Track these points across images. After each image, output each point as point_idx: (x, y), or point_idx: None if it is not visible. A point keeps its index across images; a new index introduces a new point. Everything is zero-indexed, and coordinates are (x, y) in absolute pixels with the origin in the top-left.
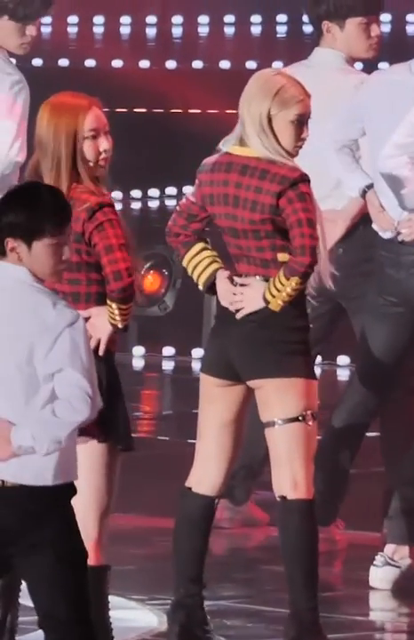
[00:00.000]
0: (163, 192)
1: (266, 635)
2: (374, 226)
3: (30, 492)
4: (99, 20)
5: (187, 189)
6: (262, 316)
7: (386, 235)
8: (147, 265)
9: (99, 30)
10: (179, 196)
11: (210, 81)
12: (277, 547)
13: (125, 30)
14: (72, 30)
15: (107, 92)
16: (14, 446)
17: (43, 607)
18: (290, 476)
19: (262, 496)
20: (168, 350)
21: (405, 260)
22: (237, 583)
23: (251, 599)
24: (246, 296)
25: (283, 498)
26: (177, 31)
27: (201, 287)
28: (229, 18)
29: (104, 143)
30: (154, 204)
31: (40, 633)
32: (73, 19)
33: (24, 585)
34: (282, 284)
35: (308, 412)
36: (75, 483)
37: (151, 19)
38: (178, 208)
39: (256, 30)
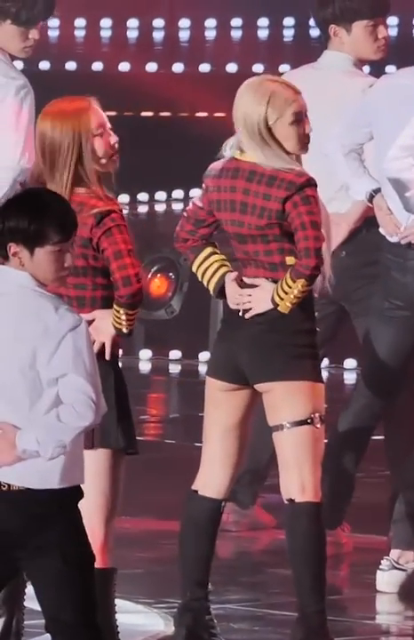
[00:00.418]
0: (169, 195)
1: (274, 638)
2: (381, 230)
3: (36, 495)
4: (106, 23)
5: (194, 193)
6: (270, 318)
7: (393, 238)
8: (154, 268)
9: (106, 34)
10: (186, 199)
11: (217, 84)
12: (284, 550)
13: (132, 34)
14: (79, 33)
15: (115, 95)
16: (19, 450)
17: (49, 610)
18: (298, 479)
19: (268, 499)
20: (175, 353)
21: (411, 264)
22: (244, 586)
23: (258, 602)
24: (255, 297)
25: (291, 501)
26: (184, 34)
27: (211, 292)
28: (236, 21)
29: (113, 137)
30: (160, 208)
31: (47, 636)
32: (80, 22)
33: (30, 588)
34: (288, 286)
35: (316, 415)
36: (81, 486)
37: (158, 22)
38: (185, 214)
39: (263, 34)
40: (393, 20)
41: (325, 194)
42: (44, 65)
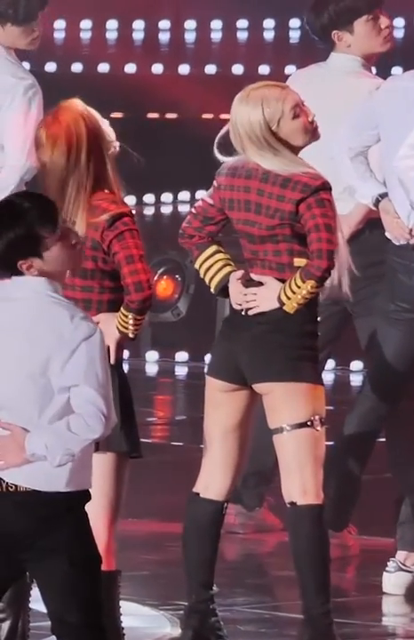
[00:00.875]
0: (176, 197)
1: None
2: (387, 234)
3: (43, 496)
4: (112, 24)
5: (201, 194)
6: (274, 318)
7: (400, 242)
8: (161, 270)
9: (112, 35)
10: (193, 201)
11: (223, 86)
12: (290, 552)
13: (138, 35)
14: (85, 35)
15: (121, 96)
16: (28, 453)
17: (55, 612)
18: (299, 481)
19: (275, 501)
20: (181, 356)
21: None
22: (250, 589)
23: (265, 604)
24: (260, 295)
25: (293, 504)
26: (190, 36)
27: (212, 290)
28: (242, 23)
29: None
30: (167, 210)
31: (52, 638)
32: (86, 23)
33: (36, 590)
34: (297, 286)
35: (316, 418)
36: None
37: (164, 23)
38: (193, 210)
39: (269, 35)
40: (399, 22)
41: None
42: (50, 66)
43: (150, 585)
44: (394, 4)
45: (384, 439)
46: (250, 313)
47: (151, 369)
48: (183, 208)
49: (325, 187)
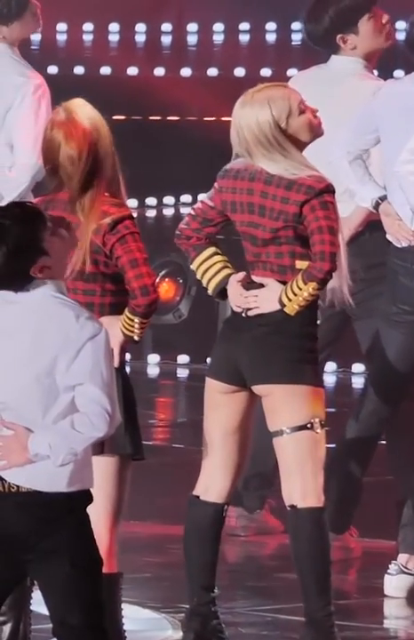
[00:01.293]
0: (177, 200)
1: None
2: (388, 236)
3: (44, 497)
4: (114, 27)
5: (202, 197)
6: (274, 320)
7: (402, 244)
8: (162, 273)
9: (114, 38)
10: (194, 203)
11: (225, 88)
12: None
13: (140, 38)
14: (87, 38)
15: (123, 99)
16: (31, 453)
17: (57, 614)
18: (299, 484)
19: (276, 504)
20: (183, 358)
21: None
22: (252, 591)
23: (266, 607)
24: (261, 297)
25: (293, 507)
26: (192, 39)
27: (210, 291)
28: (244, 25)
29: None
30: (169, 212)
31: None
32: (88, 26)
33: (37, 593)
34: (299, 287)
35: (316, 420)
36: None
37: (166, 26)
38: (192, 212)
39: (271, 38)
40: (400, 25)
41: None
42: (52, 69)
43: (151, 587)
44: (396, 6)
45: (385, 442)
46: (250, 314)
47: (152, 371)
48: (185, 210)
49: (329, 189)
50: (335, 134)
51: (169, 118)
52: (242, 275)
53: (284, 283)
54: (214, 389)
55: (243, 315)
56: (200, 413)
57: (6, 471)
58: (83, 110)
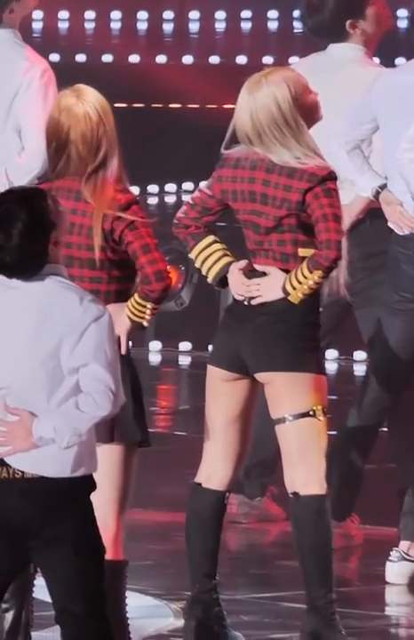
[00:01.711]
0: (179, 187)
1: (283, 630)
2: (390, 224)
3: (49, 483)
4: (116, 15)
5: (201, 186)
6: (277, 309)
7: (403, 231)
8: None
9: (116, 26)
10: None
11: (226, 76)
12: (293, 542)
13: (142, 26)
14: (89, 26)
15: (124, 87)
16: (35, 437)
17: (59, 601)
18: (302, 472)
19: (278, 491)
20: (184, 345)
21: None
22: (254, 578)
23: (268, 594)
24: (264, 285)
25: (296, 494)
26: (194, 26)
27: (210, 279)
28: (246, 13)
29: None
30: (170, 200)
31: (56, 627)
32: (90, 14)
33: (40, 580)
34: (304, 276)
35: (319, 408)
36: (95, 479)
37: (168, 14)
38: (191, 201)
39: (273, 25)
40: (402, 13)
41: None
42: (54, 57)
43: (153, 575)
44: None
45: (386, 429)
46: (253, 303)
47: (154, 358)
48: (187, 198)
49: (331, 176)
50: (334, 122)
51: (171, 106)
52: (243, 263)
53: (286, 271)
54: (216, 377)
55: (246, 303)
56: (202, 401)
57: (11, 457)
58: (92, 92)
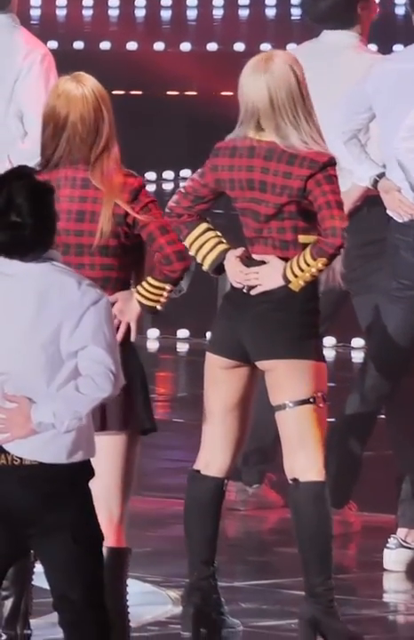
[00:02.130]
0: (177, 174)
1: (282, 617)
2: (390, 212)
3: (48, 470)
4: (113, 2)
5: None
6: (277, 297)
7: (402, 218)
8: None
9: (113, 13)
10: None
11: (224, 63)
12: (291, 529)
13: (140, 13)
14: (87, 13)
15: (122, 74)
16: (34, 423)
17: (58, 589)
18: (301, 458)
19: (276, 478)
20: (183, 332)
21: None
22: (252, 565)
23: (266, 581)
24: (263, 274)
25: (295, 480)
26: (191, 13)
27: (206, 267)
28: (243, 0)
29: None
30: (168, 187)
31: (55, 615)
32: (88, 1)
33: (39, 567)
34: (307, 264)
35: (319, 395)
36: (99, 466)
37: (166, 1)
38: (183, 190)
39: (270, 12)
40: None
41: None
42: (52, 44)
43: (151, 562)
44: None
45: (385, 416)
46: (252, 292)
47: (152, 345)
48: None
49: (332, 162)
50: (331, 110)
51: (168, 93)
52: (240, 250)
53: (285, 259)
54: (215, 365)
55: (245, 291)
56: (200, 388)
57: (10, 444)
58: (90, 78)
